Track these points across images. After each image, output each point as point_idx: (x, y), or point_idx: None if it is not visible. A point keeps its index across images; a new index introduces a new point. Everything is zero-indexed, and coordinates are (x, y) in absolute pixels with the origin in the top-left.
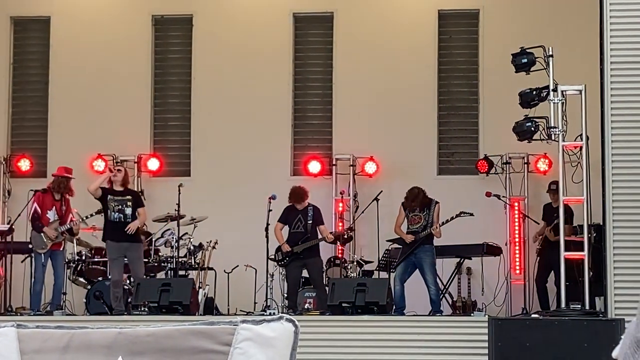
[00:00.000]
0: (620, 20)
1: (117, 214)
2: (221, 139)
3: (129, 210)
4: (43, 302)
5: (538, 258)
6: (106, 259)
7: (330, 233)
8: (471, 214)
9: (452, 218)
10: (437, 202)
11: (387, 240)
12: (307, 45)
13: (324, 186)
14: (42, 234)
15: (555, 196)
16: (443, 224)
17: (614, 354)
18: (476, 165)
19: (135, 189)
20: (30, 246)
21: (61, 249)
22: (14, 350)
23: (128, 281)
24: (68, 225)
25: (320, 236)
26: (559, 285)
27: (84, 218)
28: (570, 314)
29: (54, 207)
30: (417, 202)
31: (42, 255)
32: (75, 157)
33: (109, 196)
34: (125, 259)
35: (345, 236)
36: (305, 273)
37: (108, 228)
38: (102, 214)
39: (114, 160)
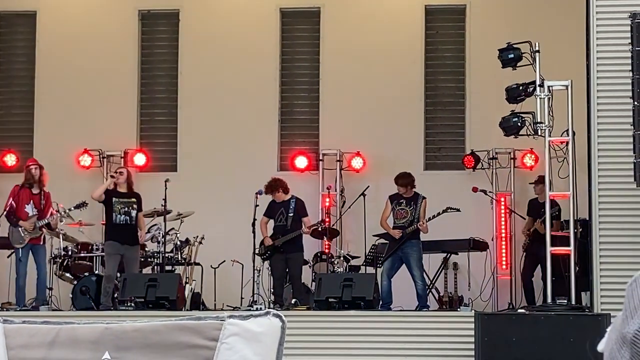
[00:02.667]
0: (606, 16)
1: (123, 216)
2: (208, 134)
3: (134, 213)
4: (28, 297)
5: (524, 253)
6: (92, 254)
7: (309, 227)
8: (458, 210)
9: (438, 214)
10: (423, 198)
11: (374, 235)
12: (294, 41)
13: (310, 181)
14: (19, 228)
15: (540, 187)
16: (430, 219)
17: (600, 347)
18: (463, 161)
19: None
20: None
21: (41, 243)
22: (0, 345)
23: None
24: (46, 220)
25: (303, 228)
26: (545, 280)
27: (68, 211)
28: (557, 309)
29: (32, 201)
30: (406, 181)
31: (21, 250)
32: (62, 152)
33: (114, 198)
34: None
35: (319, 228)
36: None
37: (112, 230)
38: (84, 207)
39: (100, 155)
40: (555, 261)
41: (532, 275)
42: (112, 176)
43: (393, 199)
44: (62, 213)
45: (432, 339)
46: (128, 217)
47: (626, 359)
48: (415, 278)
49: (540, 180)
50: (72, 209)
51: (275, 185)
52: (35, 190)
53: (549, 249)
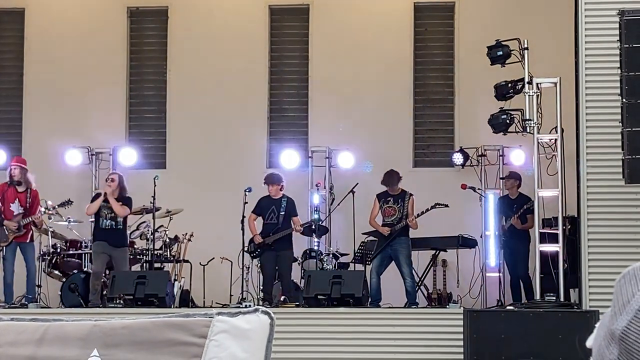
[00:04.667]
0: (595, 13)
1: (109, 221)
2: (197, 131)
3: (120, 218)
4: (18, 294)
5: (502, 250)
6: (81, 252)
7: (300, 225)
8: (446, 205)
9: (427, 210)
10: (411, 195)
11: (363, 233)
12: (283, 37)
13: (299, 178)
14: (3, 227)
15: (510, 182)
16: (418, 215)
17: (588, 343)
18: (451, 158)
19: (129, 196)
20: None
21: (28, 240)
22: None
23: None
24: (30, 218)
25: (293, 227)
26: (526, 276)
27: (53, 208)
28: (545, 305)
29: (17, 200)
30: (388, 181)
31: (5, 248)
32: (51, 149)
33: (102, 203)
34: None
35: (313, 227)
36: None
37: (98, 233)
38: (68, 205)
39: (89, 152)
40: (544, 258)
41: (516, 272)
42: (104, 193)
43: (380, 197)
44: (51, 210)
45: (421, 335)
46: (114, 222)
47: (615, 355)
48: (404, 275)
49: (511, 175)
50: (57, 206)
51: (278, 178)
52: (21, 189)
53: (538, 245)
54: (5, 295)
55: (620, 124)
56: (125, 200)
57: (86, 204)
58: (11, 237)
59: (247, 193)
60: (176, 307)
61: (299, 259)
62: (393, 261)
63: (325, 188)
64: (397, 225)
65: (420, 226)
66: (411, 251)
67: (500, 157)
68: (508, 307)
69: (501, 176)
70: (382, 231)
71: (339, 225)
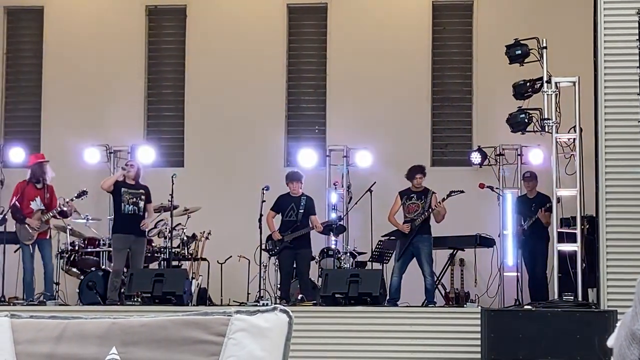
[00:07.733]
0: (614, 12)
1: (131, 206)
2: (215, 129)
3: (142, 204)
4: (36, 291)
5: (519, 250)
6: (99, 249)
7: (321, 223)
8: (462, 191)
9: (443, 199)
10: (433, 192)
11: (383, 236)
12: (301, 37)
13: (317, 177)
14: (25, 225)
15: (532, 183)
16: (443, 200)
17: (609, 343)
18: (469, 157)
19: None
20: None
21: (48, 237)
22: (7, 340)
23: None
24: (59, 208)
25: (310, 226)
26: (542, 276)
27: (70, 201)
28: (563, 305)
29: (38, 197)
30: (415, 172)
31: (30, 246)
32: (69, 147)
33: (123, 189)
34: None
35: (334, 226)
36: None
37: (120, 220)
38: (84, 196)
39: (107, 150)
40: (562, 257)
41: (534, 271)
42: (122, 168)
43: (403, 194)
44: (65, 205)
45: (439, 335)
46: (136, 208)
47: (635, 355)
48: (425, 273)
49: (533, 177)
50: (74, 198)
51: (300, 176)
52: (39, 185)
53: (556, 245)
54: (25, 293)
55: (639, 123)
56: (147, 192)
57: (104, 203)
58: (35, 234)
59: (264, 191)
60: (194, 305)
61: (317, 257)
62: (414, 258)
63: (342, 187)
64: (417, 220)
65: (437, 225)
66: (432, 249)
67: (519, 157)
68: (526, 307)
69: (520, 176)
70: (402, 228)
71: (356, 224)
